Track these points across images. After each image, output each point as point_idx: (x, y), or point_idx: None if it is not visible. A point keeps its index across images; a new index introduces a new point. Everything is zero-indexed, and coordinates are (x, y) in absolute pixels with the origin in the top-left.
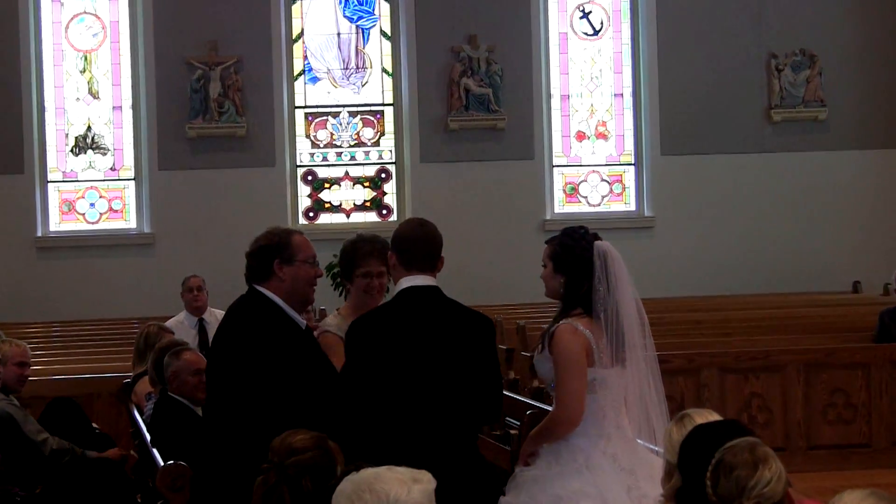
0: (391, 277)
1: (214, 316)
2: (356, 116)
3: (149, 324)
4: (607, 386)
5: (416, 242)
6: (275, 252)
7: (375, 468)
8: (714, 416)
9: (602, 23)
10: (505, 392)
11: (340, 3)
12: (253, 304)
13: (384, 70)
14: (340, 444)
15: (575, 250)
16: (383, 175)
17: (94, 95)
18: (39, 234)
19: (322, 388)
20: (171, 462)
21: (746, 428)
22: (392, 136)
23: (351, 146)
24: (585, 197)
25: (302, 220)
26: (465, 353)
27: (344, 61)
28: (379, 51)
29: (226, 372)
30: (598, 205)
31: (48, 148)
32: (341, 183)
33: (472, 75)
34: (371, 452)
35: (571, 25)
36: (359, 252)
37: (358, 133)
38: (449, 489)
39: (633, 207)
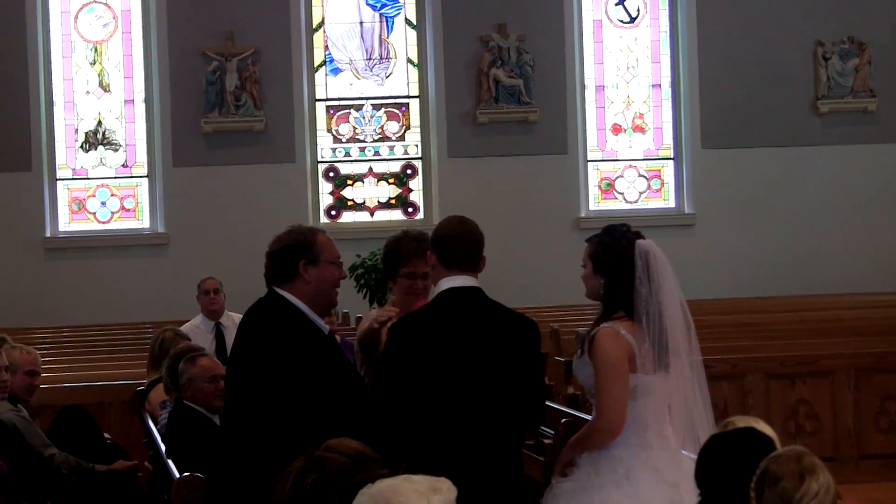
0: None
1: (232, 320)
2: (380, 109)
3: (164, 328)
4: (650, 393)
5: (457, 241)
6: (300, 252)
7: (391, 479)
8: (760, 424)
9: (638, 9)
10: None
11: None
12: (274, 307)
13: (409, 60)
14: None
15: (615, 249)
16: (409, 171)
17: (105, 89)
18: (48, 234)
19: (347, 396)
20: (187, 474)
21: (764, 436)
22: (418, 129)
23: (375, 141)
24: (622, 193)
25: (323, 219)
26: (507, 357)
27: (367, 51)
28: (404, 40)
29: (246, 380)
30: (636, 202)
31: (57, 144)
32: (365, 179)
33: (501, 65)
34: (406, 461)
35: (606, 12)
36: (403, 250)
37: (382, 127)
38: (483, 501)
39: (672, 204)
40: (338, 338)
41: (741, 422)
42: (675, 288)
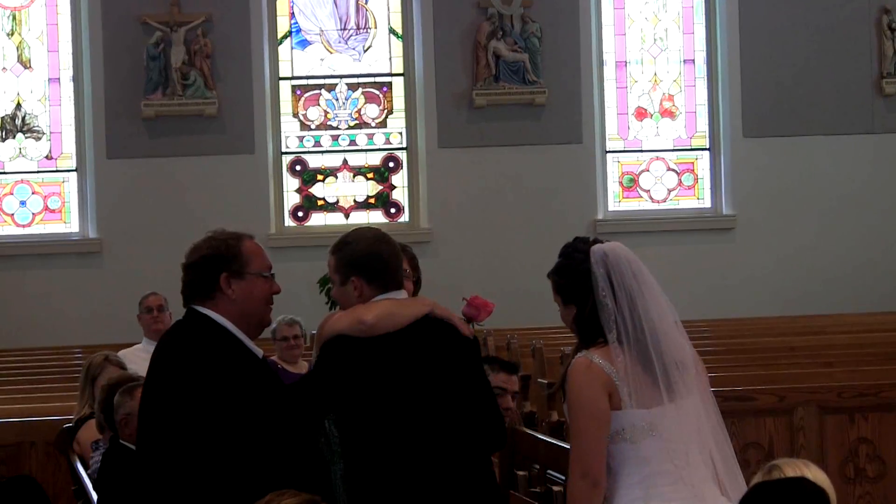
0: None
1: None
2: (357, 90)
3: (97, 354)
4: (656, 430)
5: (391, 259)
6: (221, 263)
7: None
8: (811, 469)
9: None
10: (546, 438)
11: None
12: (198, 329)
13: (392, 31)
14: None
15: (571, 267)
16: (391, 164)
17: (25, 65)
18: None
19: (288, 434)
20: None
21: (816, 488)
22: (402, 114)
23: (350, 128)
24: (647, 191)
25: (289, 221)
26: (457, 371)
27: (341, 20)
28: (385, 7)
29: (168, 420)
30: (664, 200)
31: None
32: (338, 174)
33: (503, 37)
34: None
35: None
36: None
37: (359, 111)
38: None
39: (707, 204)
40: (307, 363)
41: (789, 466)
42: (656, 294)
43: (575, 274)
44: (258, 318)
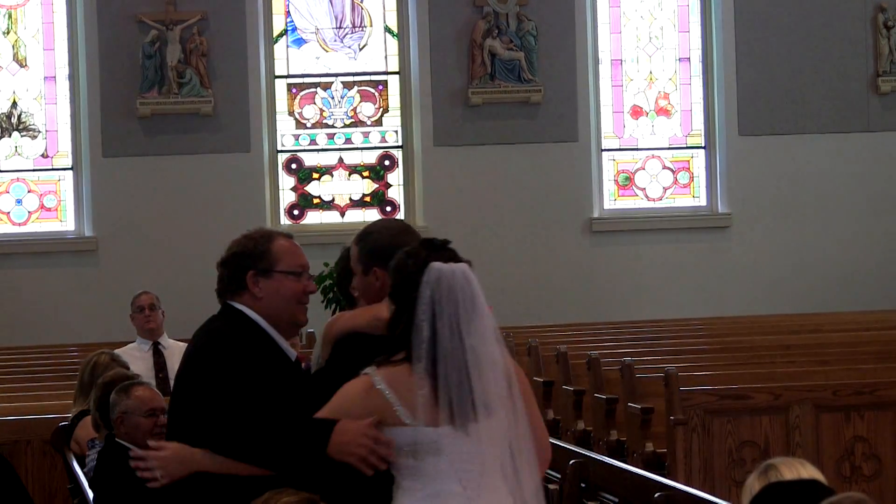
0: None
1: (177, 346)
2: (353, 88)
3: (99, 352)
4: (441, 450)
5: None
6: (248, 261)
7: None
8: (807, 468)
9: None
10: None
11: None
12: (230, 323)
13: (388, 29)
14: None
15: (404, 270)
16: (387, 162)
17: (21, 63)
18: None
19: (316, 436)
20: None
21: (830, 490)
22: (398, 113)
23: (346, 126)
24: (643, 189)
25: (284, 220)
26: None
27: (337, 18)
28: (381, 5)
29: (194, 412)
30: (660, 199)
31: None
32: (334, 173)
33: (499, 35)
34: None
35: None
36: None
37: (355, 109)
38: None
39: (703, 202)
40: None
41: (785, 466)
42: (484, 331)
43: (404, 279)
44: (288, 317)
